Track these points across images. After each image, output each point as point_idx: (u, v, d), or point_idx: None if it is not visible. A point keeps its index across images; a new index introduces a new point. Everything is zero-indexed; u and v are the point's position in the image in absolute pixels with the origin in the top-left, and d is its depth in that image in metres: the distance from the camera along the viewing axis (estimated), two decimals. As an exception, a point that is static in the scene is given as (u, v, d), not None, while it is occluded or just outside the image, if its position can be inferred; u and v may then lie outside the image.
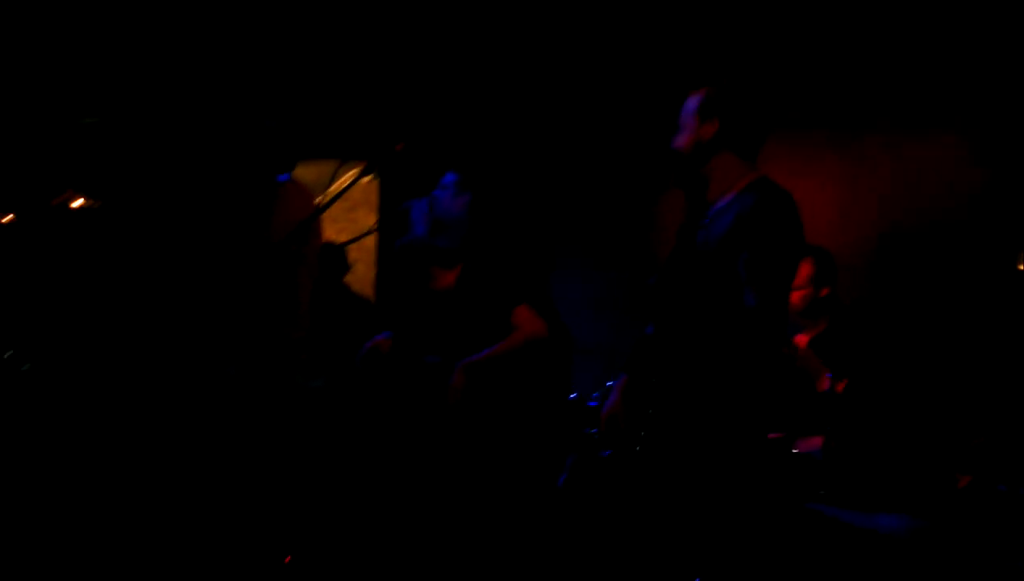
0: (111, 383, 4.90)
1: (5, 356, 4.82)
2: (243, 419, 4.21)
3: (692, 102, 3.27)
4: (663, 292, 3.35)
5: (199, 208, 4.97)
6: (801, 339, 4.50)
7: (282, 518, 4.23)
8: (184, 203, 5.33)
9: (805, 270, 4.41)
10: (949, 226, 4.86)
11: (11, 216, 5.37)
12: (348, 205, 6.78)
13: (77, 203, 5.36)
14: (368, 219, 6.80)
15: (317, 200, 4.94)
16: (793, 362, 4.21)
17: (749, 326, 3.07)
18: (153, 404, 4.54)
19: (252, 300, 4.28)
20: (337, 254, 6.08)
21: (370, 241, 6.54)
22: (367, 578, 4.17)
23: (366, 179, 4.66)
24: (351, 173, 4.87)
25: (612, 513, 4.28)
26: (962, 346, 4.70)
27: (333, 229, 6.50)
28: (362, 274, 6.79)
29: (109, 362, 4.99)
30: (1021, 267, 4.58)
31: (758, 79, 3.28)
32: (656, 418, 3.25)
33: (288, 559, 4.12)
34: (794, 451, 4.22)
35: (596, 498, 4.45)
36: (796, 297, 4.41)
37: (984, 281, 4.73)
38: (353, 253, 6.28)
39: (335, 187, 4.21)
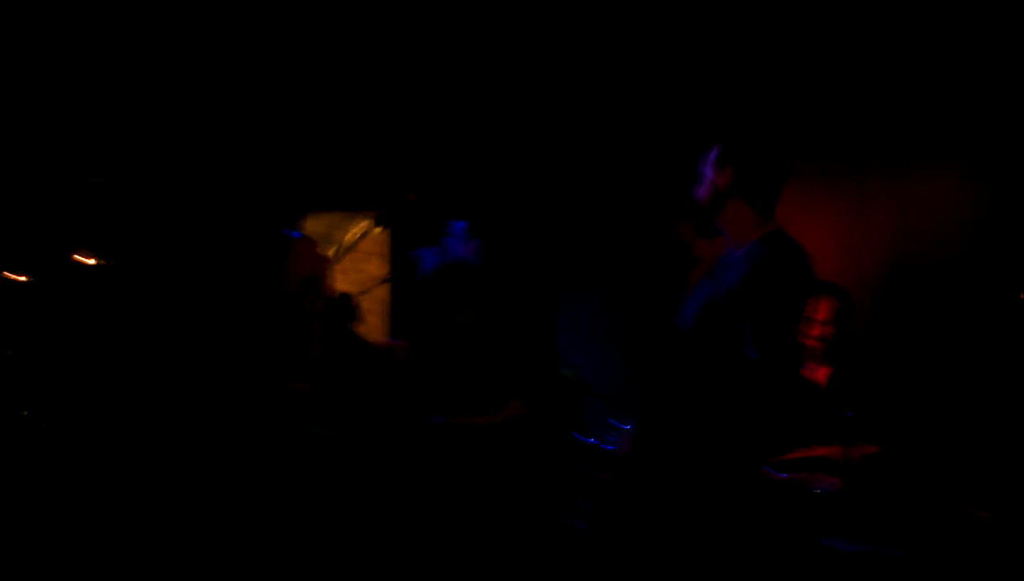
0: (126, 436, 4.92)
1: (23, 415, 4.84)
2: (254, 467, 4.24)
3: (711, 153, 3.30)
4: (669, 339, 3.38)
5: (209, 266, 5.02)
6: (819, 374, 4.52)
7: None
8: (194, 262, 5.38)
9: (825, 309, 4.44)
10: (952, 259, 4.85)
11: (25, 277, 5.42)
12: (359, 256, 6.82)
13: (90, 262, 5.41)
14: (379, 270, 6.82)
15: (328, 253, 5.00)
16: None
17: (750, 378, 3.06)
18: (166, 457, 4.56)
19: (263, 353, 4.31)
20: (345, 304, 6.10)
21: (382, 291, 6.55)
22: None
23: (376, 230, 4.73)
24: (362, 225, 4.93)
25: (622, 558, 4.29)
26: (971, 377, 4.68)
27: (344, 280, 6.52)
28: (374, 325, 6.80)
29: (124, 417, 5.02)
30: (1024, 297, 4.59)
31: (774, 128, 3.28)
32: (661, 467, 3.23)
33: None
34: (816, 491, 4.21)
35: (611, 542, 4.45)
36: (816, 337, 4.44)
37: (988, 312, 4.72)
38: (365, 304, 6.30)
39: (347, 239, 4.25)
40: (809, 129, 5.18)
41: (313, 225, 5.90)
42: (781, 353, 3.07)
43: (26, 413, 4.90)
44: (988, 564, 3.85)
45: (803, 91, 5.22)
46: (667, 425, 3.24)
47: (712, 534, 3.10)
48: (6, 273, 5.20)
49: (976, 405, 4.56)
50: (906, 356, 4.76)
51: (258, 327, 4.26)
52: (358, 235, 4.32)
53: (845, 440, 4.20)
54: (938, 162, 4.95)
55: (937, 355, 4.73)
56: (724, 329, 3.13)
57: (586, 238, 5.75)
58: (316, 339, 4.43)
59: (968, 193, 4.86)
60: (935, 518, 4.12)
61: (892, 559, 3.91)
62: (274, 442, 4.27)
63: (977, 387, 4.60)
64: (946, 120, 4.90)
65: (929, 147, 4.96)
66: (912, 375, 4.64)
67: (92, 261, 5.20)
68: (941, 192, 4.92)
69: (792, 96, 5.22)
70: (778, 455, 4.37)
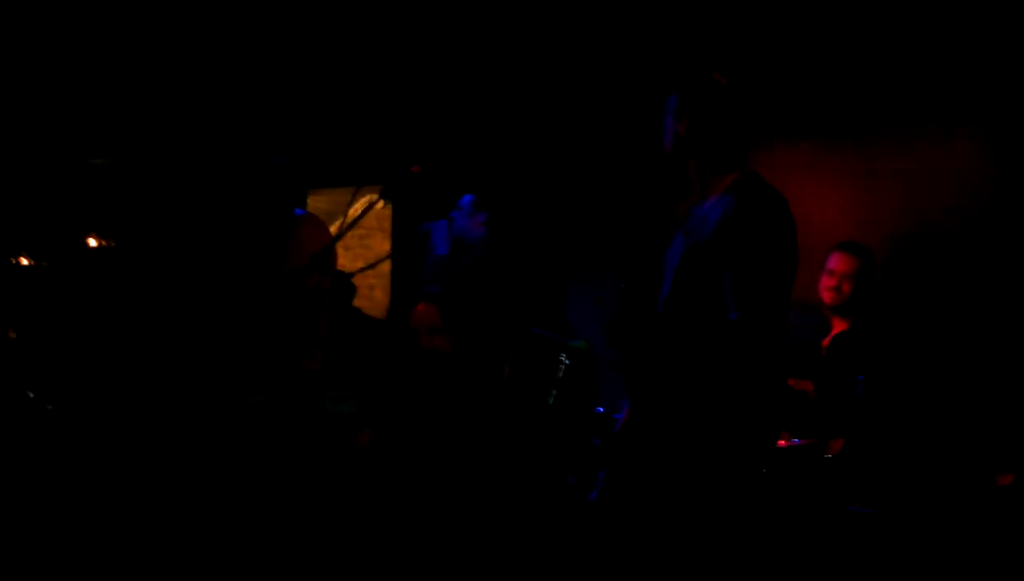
0: (133, 417, 4.90)
1: (29, 397, 4.82)
2: (265, 448, 4.22)
3: (670, 102, 3.20)
4: (648, 298, 3.19)
5: (213, 244, 4.99)
6: (825, 342, 4.52)
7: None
8: (198, 240, 5.35)
9: (841, 262, 4.47)
10: (963, 227, 4.83)
11: (26, 259, 5.38)
12: (362, 232, 6.78)
13: (92, 243, 5.37)
14: (382, 245, 6.79)
15: (332, 229, 4.96)
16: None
17: (730, 342, 2.91)
18: (174, 439, 4.54)
19: (271, 333, 4.29)
20: (343, 282, 6.07)
21: (385, 267, 6.52)
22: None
23: (379, 205, 4.69)
24: (364, 200, 4.89)
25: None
26: (983, 345, 4.66)
27: (347, 257, 6.50)
28: (379, 301, 6.78)
29: (130, 398, 5.00)
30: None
31: (733, 78, 3.16)
32: (657, 440, 3.08)
33: None
34: (826, 456, 4.20)
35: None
36: (831, 289, 4.47)
37: (999, 281, 4.70)
38: (369, 279, 6.28)
39: (350, 215, 4.22)
40: (801, 81, 5.14)
41: (315, 202, 5.87)
42: (763, 308, 2.90)
43: (32, 395, 4.87)
44: (1010, 528, 3.84)
45: (801, 55, 5.18)
46: (656, 399, 3.08)
47: (714, 508, 2.96)
48: (12, 258, 5.17)
49: (991, 372, 4.53)
50: (917, 324, 4.74)
51: (266, 306, 4.23)
52: (360, 211, 4.28)
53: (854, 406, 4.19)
54: (947, 130, 4.90)
55: (948, 323, 4.71)
56: (701, 290, 2.99)
57: (597, 212, 5.70)
58: (324, 317, 4.40)
59: (977, 161, 4.82)
60: (955, 483, 4.11)
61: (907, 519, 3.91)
62: (285, 422, 4.24)
63: (991, 356, 4.57)
64: (956, 87, 4.85)
65: (938, 115, 4.91)
66: (925, 342, 4.62)
67: (97, 242, 5.17)
68: (950, 160, 4.87)
69: (784, 54, 5.17)
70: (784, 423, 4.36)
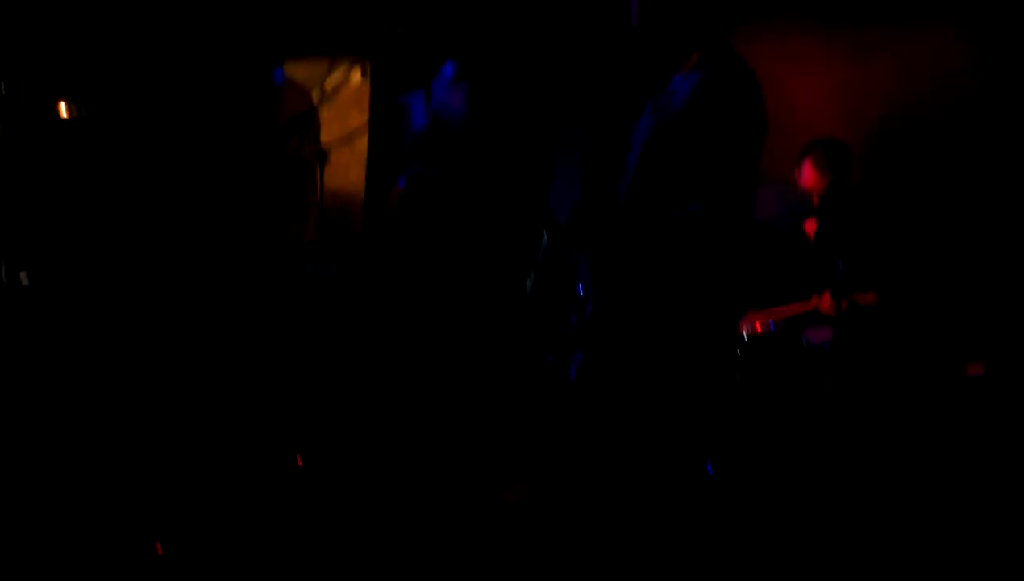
0: (119, 297, 4.80)
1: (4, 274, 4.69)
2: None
3: None
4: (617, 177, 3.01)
5: (194, 114, 4.83)
6: (809, 225, 4.50)
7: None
8: (176, 105, 5.19)
9: (816, 159, 4.42)
10: (951, 112, 4.79)
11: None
12: (338, 106, 6.63)
13: (66, 113, 5.20)
14: (359, 120, 6.66)
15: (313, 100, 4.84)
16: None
17: (693, 237, 2.76)
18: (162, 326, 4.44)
19: (258, 200, 4.19)
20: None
21: (362, 143, 6.40)
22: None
23: (357, 78, 4.56)
24: (341, 71, 4.76)
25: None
26: (967, 239, 4.66)
27: (325, 132, 6.36)
28: (356, 177, 6.68)
29: (117, 275, 4.89)
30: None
31: None
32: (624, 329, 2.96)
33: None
34: (803, 341, 4.20)
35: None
36: (808, 189, 4.44)
37: (986, 174, 4.67)
38: (345, 156, 6.15)
39: (327, 86, 4.10)
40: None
41: (291, 71, 5.71)
42: (726, 200, 2.76)
43: (26, 279, 4.72)
44: (981, 417, 3.87)
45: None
46: (620, 296, 2.94)
47: (688, 393, 2.90)
48: None
49: (972, 259, 4.54)
50: (902, 210, 4.73)
51: (250, 174, 4.12)
52: (338, 83, 4.16)
53: (836, 291, 4.18)
54: (937, 14, 4.84)
55: (930, 212, 4.70)
56: (666, 173, 2.81)
57: (589, 87, 5.56)
58: (310, 185, 4.30)
59: (967, 45, 4.77)
60: (927, 371, 4.13)
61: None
62: (275, 287, 4.15)
63: (973, 242, 4.58)
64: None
65: (928, 5, 4.85)
66: (909, 229, 4.61)
67: (71, 111, 5.00)
68: (941, 45, 4.83)
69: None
70: (764, 309, 4.37)
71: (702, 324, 2.88)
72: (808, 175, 4.44)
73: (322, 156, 5.53)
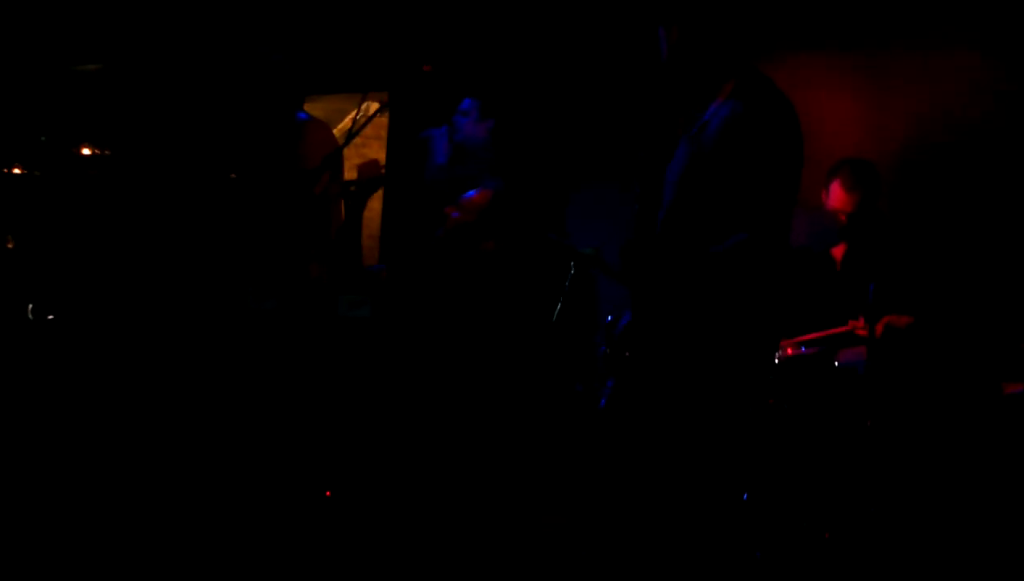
0: (134, 328, 4.83)
1: (28, 309, 4.74)
2: (278, 353, 4.17)
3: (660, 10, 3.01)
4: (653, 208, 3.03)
5: (215, 149, 4.88)
6: (837, 251, 4.48)
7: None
8: (199, 145, 5.23)
9: (844, 181, 4.39)
10: (974, 135, 4.78)
11: (18, 168, 5.26)
12: (359, 141, 6.67)
13: (87, 152, 5.24)
14: (379, 154, 6.68)
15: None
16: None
17: (735, 267, 2.78)
18: (184, 347, 4.48)
19: (281, 237, 4.22)
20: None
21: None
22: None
23: (375, 112, 4.59)
24: (363, 107, 4.79)
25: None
26: (996, 258, 4.65)
27: (347, 167, 6.40)
28: (374, 209, 6.71)
29: (131, 308, 4.92)
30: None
31: None
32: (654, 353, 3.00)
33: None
34: (836, 364, 4.19)
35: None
36: (837, 210, 4.41)
37: (1015, 193, 4.66)
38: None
39: (349, 121, 4.14)
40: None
41: (311, 109, 5.74)
42: (768, 229, 2.78)
43: (31, 307, 4.78)
44: (1018, 436, 3.85)
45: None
46: (661, 322, 2.97)
47: (719, 420, 2.91)
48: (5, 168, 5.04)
49: (1005, 277, 4.53)
50: (929, 233, 4.72)
51: (274, 212, 4.16)
52: (363, 120, 4.19)
53: (869, 315, 4.17)
54: (960, 38, 4.85)
55: (961, 232, 4.69)
56: (704, 204, 2.84)
57: (609, 120, 5.59)
58: (334, 223, 4.33)
59: (992, 62, 4.77)
60: (963, 392, 4.11)
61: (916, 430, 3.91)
62: (294, 325, 4.18)
63: (1001, 262, 4.56)
64: None
65: (951, 22, 4.84)
66: (936, 252, 4.60)
67: (91, 151, 5.04)
68: (963, 67, 4.82)
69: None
70: (797, 334, 4.36)
71: (747, 354, 2.90)
72: (837, 195, 4.41)
73: (349, 193, 5.58)
